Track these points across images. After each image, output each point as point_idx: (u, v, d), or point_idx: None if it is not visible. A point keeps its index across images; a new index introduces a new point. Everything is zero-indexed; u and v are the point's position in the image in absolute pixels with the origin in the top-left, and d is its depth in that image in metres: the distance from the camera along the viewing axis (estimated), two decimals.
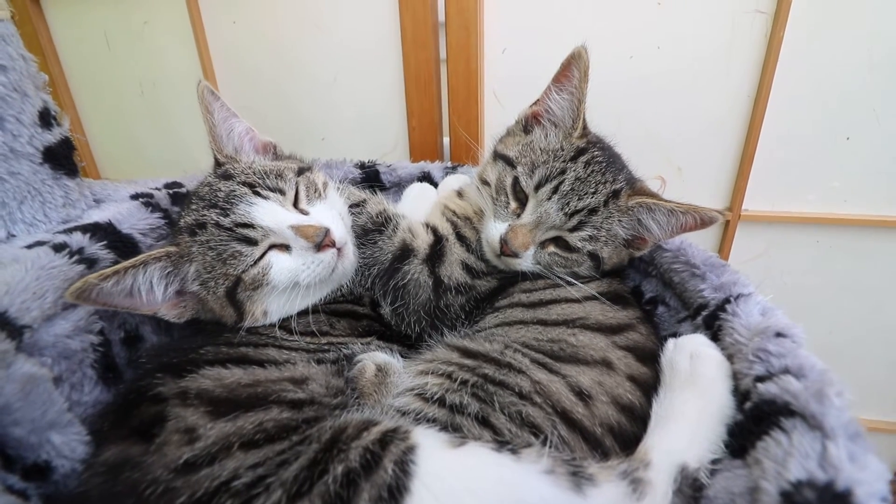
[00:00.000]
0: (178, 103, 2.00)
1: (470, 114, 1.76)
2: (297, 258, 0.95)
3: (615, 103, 1.65)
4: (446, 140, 1.92)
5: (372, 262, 1.07)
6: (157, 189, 1.25)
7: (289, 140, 1.63)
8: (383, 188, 1.54)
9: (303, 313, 1.00)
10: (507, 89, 1.75)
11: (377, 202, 1.17)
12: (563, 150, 1.03)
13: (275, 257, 0.94)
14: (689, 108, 1.66)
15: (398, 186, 1.56)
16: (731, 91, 1.61)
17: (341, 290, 1.06)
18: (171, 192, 1.25)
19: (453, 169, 1.58)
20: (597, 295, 1.02)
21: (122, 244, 1.01)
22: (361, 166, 1.55)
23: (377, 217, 1.11)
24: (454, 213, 1.19)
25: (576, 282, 1.03)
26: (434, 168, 1.58)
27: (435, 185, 1.51)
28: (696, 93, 1.64)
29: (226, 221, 0.92)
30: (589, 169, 1.01)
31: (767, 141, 1.63)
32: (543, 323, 0.97)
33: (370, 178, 1.52)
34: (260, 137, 1.13)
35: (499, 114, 1.78)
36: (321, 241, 0.93)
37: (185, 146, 2.04)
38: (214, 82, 1.91)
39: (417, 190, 1.45)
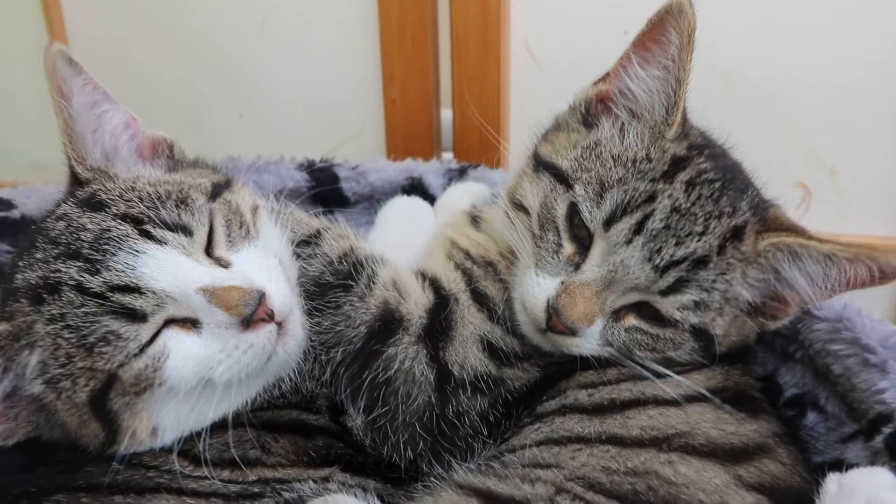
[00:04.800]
0: (7, 72, 1.99)
1: (487, 81, 1.75)
2: (210, 341, 0.94)
3: (728, 66, 1.64)
4: (446, 116, 1.92)
5: (333, 339, 1.07)
6: None
7: (187, 122, 1.69)
8: (345, 204, 1.55)
9: (218, 428, 0.99)
10: (549, 41, 1.74)
11: (339, 237, 1.17)
12: (650, 161, 1.04)
13: (174, 340, 0.94)
14: (849, 74, 1.65)
15: (369, 201, 1.57)
16: None
17: (280, 388, 1.06)
18: None
19: (461, 173, 1.58)
20: (706, 393, 1.02)
21: None
22: (309, 168, 1.57)
23: (340, 263, 1.12)
24: (466, 253, 1.20)
25: (669, 372, 1.04)
26: (429, 171, 1.58)
27: (431, 199, 1.53)
28: (861, 48, 1.62)
29: (94, 282, 0.91)
30: (694, 193, 1.02)
31: None
32: (619, 442, 0.97)
33: (323, 187, 1.54)
34: (146, 132, 1.14)
35: (536, 80, 1.78)
36: (252, 314, 0.93)
37: (18, 140, 2.03)
38: (62, 34, 1.90)
39: (403, 210, 1.45)
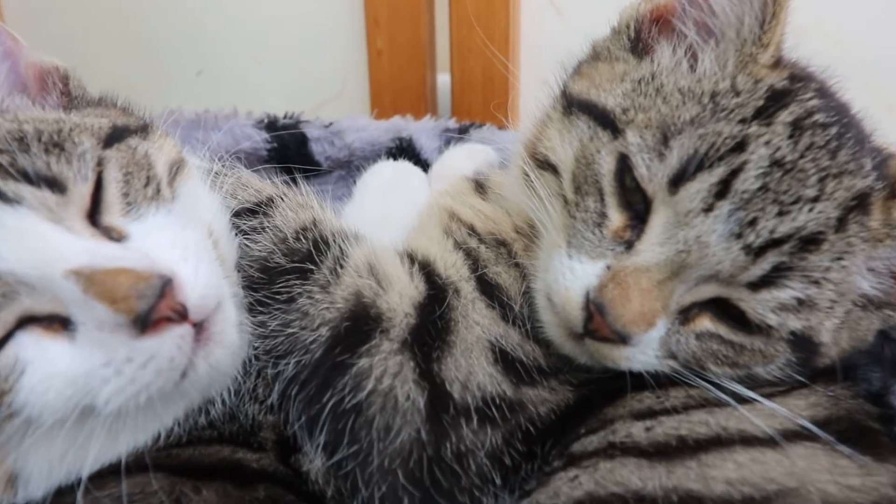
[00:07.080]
0: None
1: (494, 28, 1.69)
2: (89, 350, 0.79)
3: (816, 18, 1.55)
4: (443, 81, 1.86)
5: (283, 346, 0.94)
6: None
7: (134, 81, 1.53)
8: (316, 171, 1.46)
9: (109, 474, 0.86)
10: None
11: (299, 207, 1.06)
12: (737, 94, 0.90)
13: (33, 348, 0.79)
14: None
15: (346, 168, 1.49)
16: None
17: (209, 414, 0.93)
18: None
19: (462, 133, 1.49)
20: (813, 428, 0.86)
21: None
22: (270, 125, 1.50)
23: (297, 239, 1.00)
24: (471, 229, 1.10)
25: (757, 396, 0.90)
26: (421, 130, 1.51)
27: (424, 166, 1.45)
28: None
29: None
30: (802, 140, 0.87)
31: None
32: (695, 499, 0.83)
33: (288, 149, 1.46)
34: (31, 58, 1.01)
35: (555, 30, 1.71)
36: (149, 310, 0.75)
37: None
38: None
39: (388, 177, 1.37)
